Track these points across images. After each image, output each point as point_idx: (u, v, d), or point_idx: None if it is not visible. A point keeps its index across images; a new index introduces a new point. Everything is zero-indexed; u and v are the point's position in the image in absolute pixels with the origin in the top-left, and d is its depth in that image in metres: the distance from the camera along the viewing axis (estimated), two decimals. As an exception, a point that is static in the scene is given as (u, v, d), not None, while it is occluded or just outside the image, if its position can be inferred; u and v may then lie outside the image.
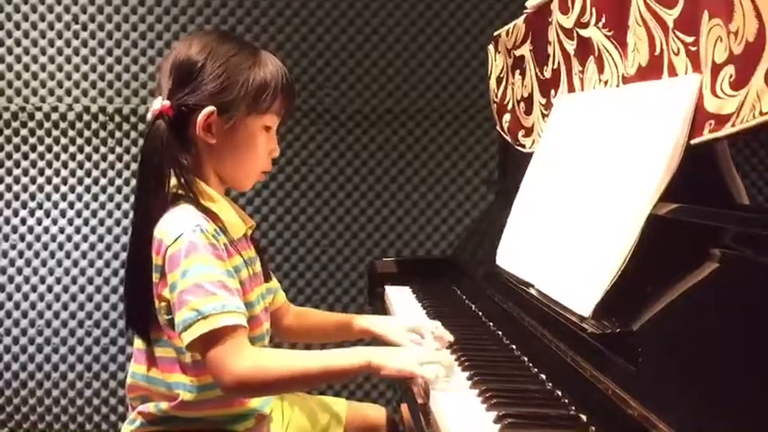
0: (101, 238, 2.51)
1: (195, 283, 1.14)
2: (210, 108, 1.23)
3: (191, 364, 1.22)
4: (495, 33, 2.07)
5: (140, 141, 2.49)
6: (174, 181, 1.23)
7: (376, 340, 1.44)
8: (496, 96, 2.09)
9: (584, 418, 0.99)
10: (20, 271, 2.50)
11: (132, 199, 2.49)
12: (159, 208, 1.21)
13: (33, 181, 2.49)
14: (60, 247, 2.50)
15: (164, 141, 1.22)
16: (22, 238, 2.50)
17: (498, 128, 2.08)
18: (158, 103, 1.23)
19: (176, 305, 1.16)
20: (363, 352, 1.16)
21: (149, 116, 1.24)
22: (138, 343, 1.28)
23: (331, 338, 1.60)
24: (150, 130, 1.23)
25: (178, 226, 1.18)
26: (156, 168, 1.22)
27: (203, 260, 1.16)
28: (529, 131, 1.85)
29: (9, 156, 2.48)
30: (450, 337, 1.35)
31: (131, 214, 2.48)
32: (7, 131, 2.48)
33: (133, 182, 2.50)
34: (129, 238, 1.31)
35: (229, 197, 1.34)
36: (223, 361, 1.13)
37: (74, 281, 2.51)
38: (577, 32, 1.50)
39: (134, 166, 2.50)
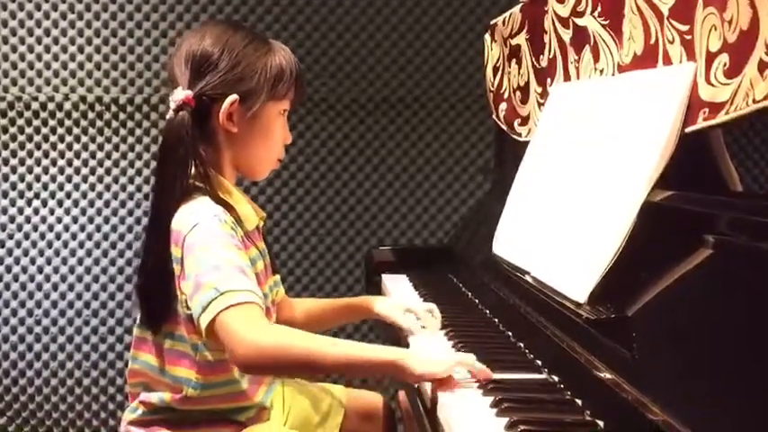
0: (97, 228, 2.51)
1: (213, 265, 1.12)
2: (234, 96, 1.24)
3: (203, 363, 1.21)
4: (492, 22, 2.07)
5: (137, 131, 2.49)
6: (191, 172, 1.23)
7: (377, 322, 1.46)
8: (492, 85, 2.10)
9: (579, 402, 1.01)
10: (17, 261, 2.50)
11: (129, 188, 2.50)
12: (179, 200, 1.20)
13: (30, 171, 2.49)
14: (57, 236, 2.50)
15: (188, 132, 1.21)
16: (20, 227, 2.50)
17: (494, 117, 2.08)
18: (180, 94, 1.23)
19: (193, 290, 1.12)
20: (391, 350, 1.10)
21: (172, 107, 1.23)
22: (144, 332, 1.27)
23: (331, 325, 1.61)
24: (173, 121, 1.23)
25: (195, 216, 1.18)
26: (181, 159, 1.21)
27: (221, 245, 1.15)
28: (525, 120, 1.86)
29: (5, 146, 2.48)
30: (438, 321, 1.41)
31: (128, 203, 2.50)
32: (3, 121, 2.47)
33: (129, 171, 2.50)
34: (146, 232, 1.27)
35: (241, 188, 1.35)
36: (239, 332, 1.07)
37: (71, 270, 2.51)
38: (573, 21, 1.50)
39: (130, 155, 2.50)
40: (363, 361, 1.09)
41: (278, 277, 1.44)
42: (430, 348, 1.30)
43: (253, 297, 1.12)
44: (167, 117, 1.25)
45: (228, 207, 1.23)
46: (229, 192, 1.27)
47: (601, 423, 0.94)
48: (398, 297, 1.68)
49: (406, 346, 1.35)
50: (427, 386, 1.11)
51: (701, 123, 1.03)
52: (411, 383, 1.17)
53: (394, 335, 1.48)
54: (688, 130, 1.05)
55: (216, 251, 1.14)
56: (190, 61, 1.25)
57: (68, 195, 2.50)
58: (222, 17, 2.45)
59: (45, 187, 2.50)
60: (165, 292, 1.20)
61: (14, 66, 2.46)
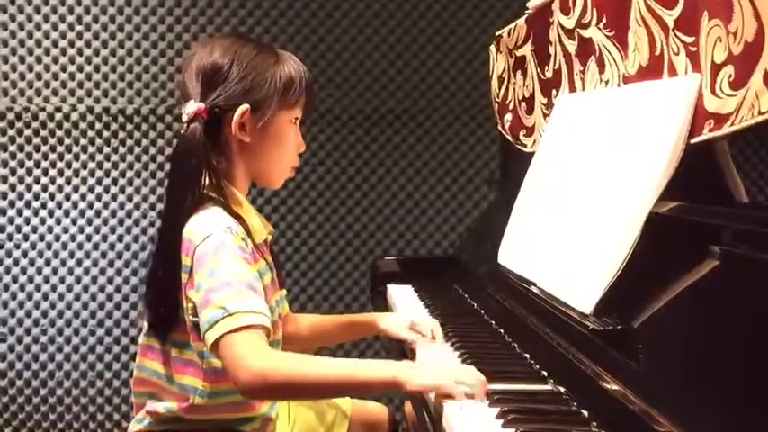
0: (104, 238, 2.52)
1: (223, 281, 1.13)
2: (245, 106, 1.25)
3: (210, 371, 1.21)
4: (497, 34, 2.08)
5: (143, 141, 2.50)
6: (205, 183, 1.24)
7: (379, 338, 1.45)
8: (498, 96, 2.10)
9: (585, 413, 1.00)
10: (24, 270, 2.51)
11: (135, 198, 2.51)
12: (191, 210, 1.21)
13: (37, 181, 2.50)
14: (64, 246, 2.51)
15: (200, 144, 1.22)
16: (26, 237, 2.51)
17: (500, 127, 2.09)
18: (193, 106, 1.24)
19: (202, 304, 1.14)
20: (389, 366, 1.12)
21: (184, 119, 1.24)
22: (151, 340, 1.27)
23: (336, 341, 1.61)
24: (186, 133, 1.24)
25: (208, 226, 1.19)
26: (194, 171, 1.22)
27: (232, 260, 1.16)
28: (530, 131, 1.86)
29: (13, 156, 2.50)
30: (441, 338, 1.39)
31: (134, 214, 2.51)
32: (11, 132, 2.49)
33: (136, 181, 2.51)
34: (156, 240, 1.29)
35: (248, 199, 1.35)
36: (243, 357, 1.09)
37: (77, 280, 2.52)
38: (578, 33, 1.51)
39: (137, 165, 2.51)
40: (364, 380, 1.11)
41: (284, 292, 1.44)
42: (435, 358, 1.30)
43: (260, 319, 1.13)
44: (181, 130, 1.26)
45: (239, 219, 1.23)
46: (240, 203, 1.28)
47: (607, 434, 0.94)
48: (402, 312, 1.67)
49: (413, 356, 1.35)
50: (432, 396, 1.11)
51: (706, 134, 1.03)
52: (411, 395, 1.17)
53: (400, 347, 1.48)
54: (693, 141, 1.05)
55: (227, 265, 1.15)
56: (201, 74, 1.26)
57: (75, 205, 2.51)
58: (229, 29, 2.47)
59: (52, 197, 2.51)
60: (172, 300, 1.21)
61: (22, 76, 2.48)
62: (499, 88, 2.09)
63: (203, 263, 1.16)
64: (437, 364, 1.24)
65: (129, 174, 2.51)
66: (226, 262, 1.15)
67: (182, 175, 1.24)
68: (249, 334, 1.11)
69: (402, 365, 1.13)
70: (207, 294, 1.13)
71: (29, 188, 2.50)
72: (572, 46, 1.55)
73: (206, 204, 1.23)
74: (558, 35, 1.62)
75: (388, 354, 1.72)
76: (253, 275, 1.17)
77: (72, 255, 2.52)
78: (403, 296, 1.85)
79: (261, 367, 1.09)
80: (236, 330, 1.10)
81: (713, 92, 1.02)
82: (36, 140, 2.50)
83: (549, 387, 1.13)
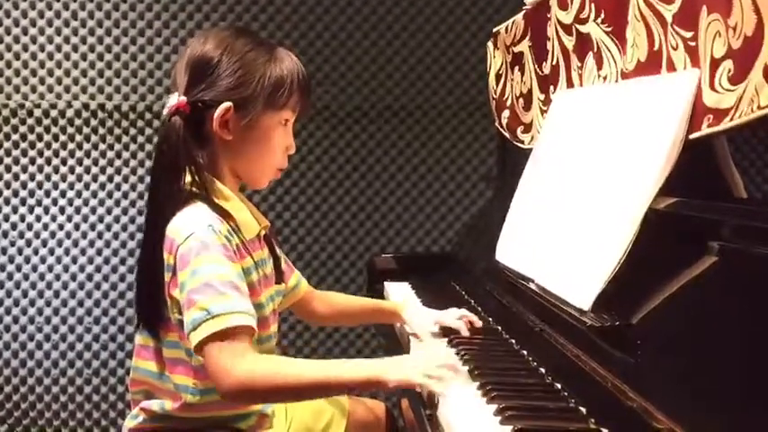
0: (100, 235, 2.51)
1: (205, 282, 1.12)
2: (227, 104, 1.21)
3: (200, 368, 1.20)
4: (494, 30, 2.08)
5: (139, 138, 2.49)
6: (188, 179, 1.21)
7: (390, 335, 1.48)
8: (495, 93, 2.10)
9: (583, 410, 1.00)
10: (19, 268, 2.50)
11: (131, 196, 2.50)
12: (173, 206, 1.19)
13: (32, 178, 2.49)
14: (59, 243, 2.50)
15: (180, 138, 1.20)
16: (21, 235, 2.50)
17: (497, 124, 2.08)
18: (174, 100, 1.21)
19: (185, 305, 1.13)
20: (368, 365, 1.12)
21: (165, 112, 1.22)
22: (146, 339, 1.26)
23: (355, 322, 1.65)
24: (166, 126, 1.21)
25: (190, 225, 1.17)
26: (172, 165, 1.20)
27: (214, 260, 1.14)
28: (528, 127, 1.86)
29: (8, 153, 2.48)
30: (478, 322, 1.43)
31: (130, 211, 2.51)
32: (6, 128, 2.48)
33: (132, 178, 2.50)
34: (142, 237, 1.27)
35: (244, 194, 1.33)
36: (225, 362, 1.10)
37: (73, 278, 2.51)
38: (576, 28, 1.50)
39: (133, 162, 2.50)
40: (344, 381, 1.12)
41: (291, 283, 1.47)
42: (428, 352, 1.31)
43: (243, 319, 1.12)
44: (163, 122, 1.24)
45: (225, 214, 1.21)
46: (227, 198, 1.25)
47: (605, 431, 0.93)
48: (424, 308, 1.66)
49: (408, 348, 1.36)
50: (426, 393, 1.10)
51: (705, 130, 1.03)
52: (392, 391, 1.17)
53: (394, 338, 1.49)
54: (692, 136, 1.05)
55: (209, 265, 1.14)
56: (190, 66, 1.23)
57: (71, 203, 2.50)
58: (225, 25, 2.46)
59: (48, 194, 2.50)
60: (155, 297, 1.20)
61: (17, 73, 2.46)
62: (497, 84, 2.08)
63: (186, 262, 1.14)
64: (418, 358, 1.22)
65: (125, 170, 2.50)
66: (208, 262, 1.14)
67: (161, 171, 1.22)
68: (232, 339, 1.11)
69: (381, 362, 1.12)
70: (190, 295, 1.13)
71: (24, 185, 2.49)
72: (570, 42, 1.54)
73: (190, 201, 1.21)
74: (556, 31, 1.61)
75: (385, 338, 1.74)
76: (236, 274, 1.16)
77: (68, 252, 2.50)
78: (400, 293, 1.85)
79: (242, 373, 1.09)
80: (218, 334, 1.10)
81: (712, 87, 1.01)
82: (31, 137, 2.48)
83: (546, 384, 1.13)
